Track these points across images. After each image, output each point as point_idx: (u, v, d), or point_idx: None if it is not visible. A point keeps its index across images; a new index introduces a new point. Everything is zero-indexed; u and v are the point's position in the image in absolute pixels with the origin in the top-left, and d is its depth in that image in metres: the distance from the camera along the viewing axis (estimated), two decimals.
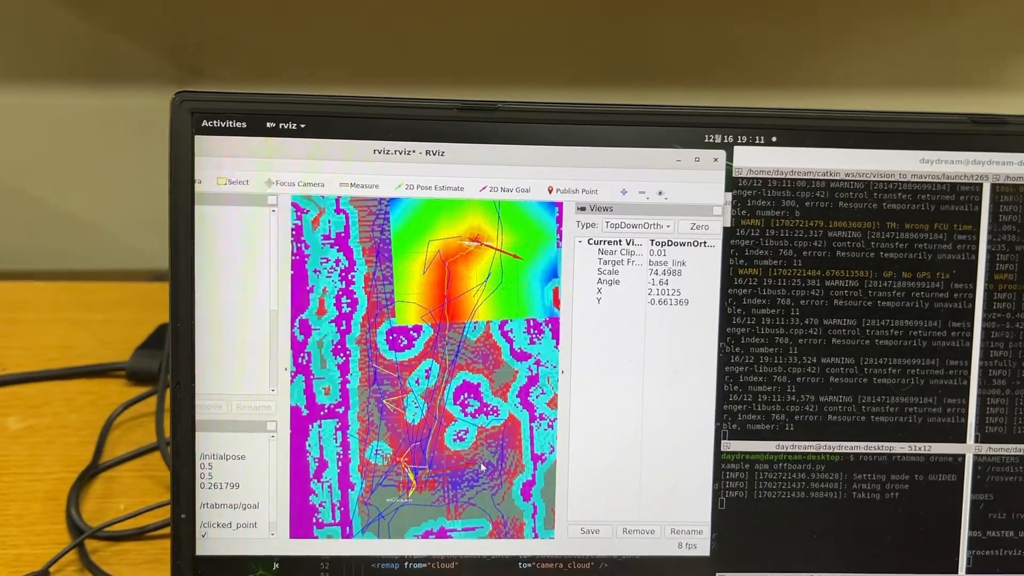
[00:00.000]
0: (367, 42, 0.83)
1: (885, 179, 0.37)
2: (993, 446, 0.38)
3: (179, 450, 0.36)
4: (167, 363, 0.59)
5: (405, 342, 0.36)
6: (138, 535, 0.49)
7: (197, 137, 0.35)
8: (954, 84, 0.86)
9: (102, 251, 0.89)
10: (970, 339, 0.37)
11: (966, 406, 0.38)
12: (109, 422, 0.58)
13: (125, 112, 0.85)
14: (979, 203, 0.37)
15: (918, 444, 0.38)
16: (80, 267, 0.86)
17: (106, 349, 0.70)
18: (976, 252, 0.37)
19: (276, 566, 0.36)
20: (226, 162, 0.35)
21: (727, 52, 0.84)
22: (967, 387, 0.37)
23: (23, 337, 0.71)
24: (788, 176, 0.37)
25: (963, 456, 0.38)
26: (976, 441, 0.38)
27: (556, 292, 0.37)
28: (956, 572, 0.38)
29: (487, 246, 0.36)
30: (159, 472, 0.55)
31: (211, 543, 0.36)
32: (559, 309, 0.37)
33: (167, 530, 0.49)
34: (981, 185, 0.37)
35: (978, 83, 0.87)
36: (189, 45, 0.83)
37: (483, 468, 0.37)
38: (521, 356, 0.37)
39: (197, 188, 0.35)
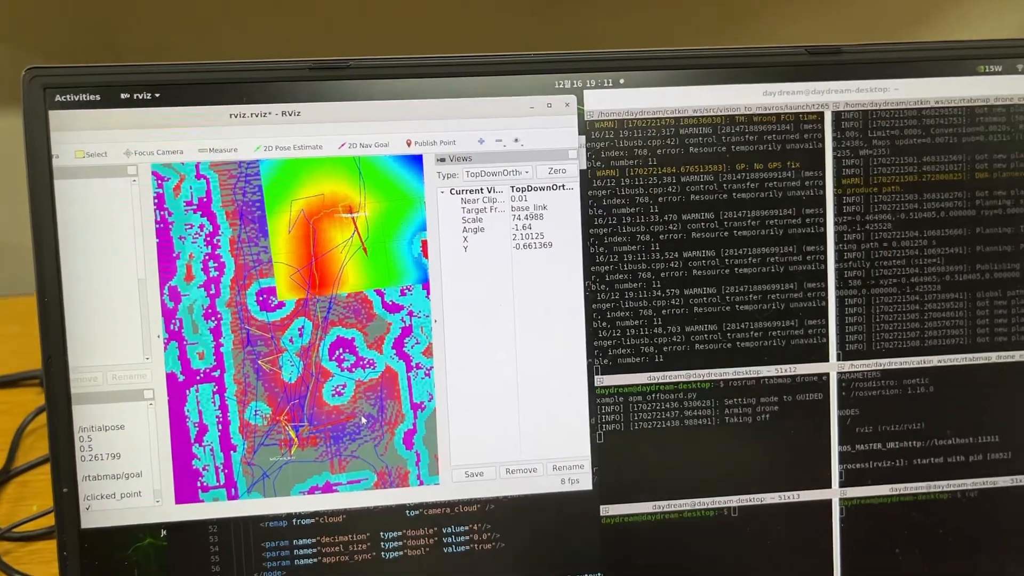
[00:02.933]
0: (285, 50, 0.83)
1: (731, 113, 0.38)
2: (855, 363, 0.39)
3: (55, 425, 0.36)
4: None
5: (276, 302, 0.37)
6: (50, 534, 0.49)
7: (51, 112, 0.35)
8: None
9: (18, 275, 0.88)
10: (824, 262, 0.39)
11: (826, 326, 0.39)
12: (22, 428, 0.58)
13: None
14: (822, 131, 0.39)
15: (784, 366, 0.39)
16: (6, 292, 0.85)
17: (20, 360, 0.69)
18: (823, 179, 0.39)
19: (164, 533, 0.37)
20: (82, 135, 0.36)
21: (655, 36, 0.86)
22: (825, 308, 0.39)
23: None
24: (639, 116, 0.38)
25: (827, 375, 0.39)
26: (838, 359, 0.39)
27: (424, 244, 0.38)
28: (830, 487, 0.39)
29: (359, 215, 0.37)
30: None
31: (96, 515, 0.36)
32: (427, 259, 0.38)
33: None
34: (822, 113, 0.39)
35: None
36: (105, 60, 0.82)
37: (364, 421, 0.37)
38: (393, 308, 0.38)
39: (55, 163, 0.35)
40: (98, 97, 0.35)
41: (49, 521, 0.49)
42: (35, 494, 0.53)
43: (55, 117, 0.35)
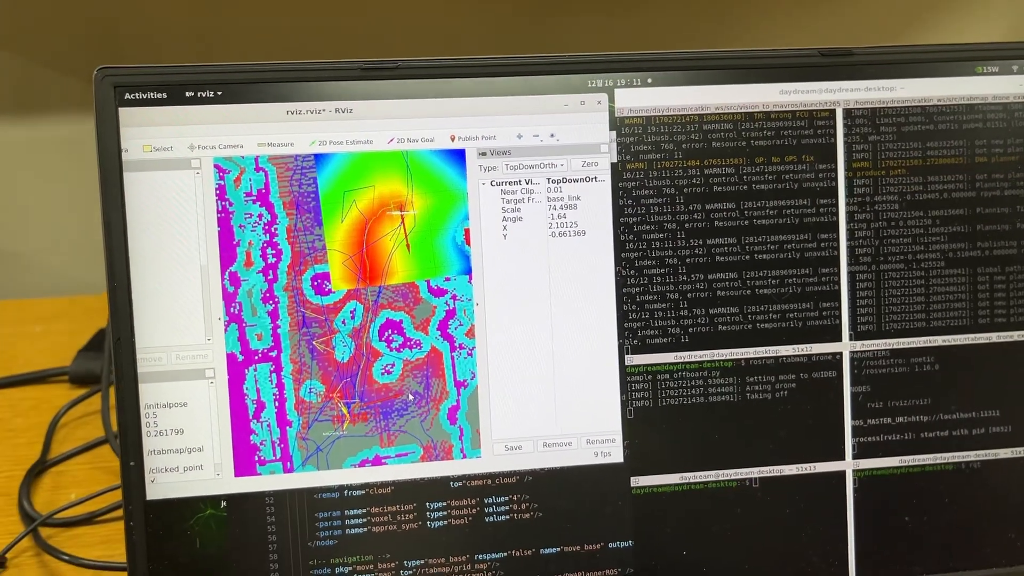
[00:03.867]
0: (285, 54, 0.85)
1: (750, 110, 0.41)
2: (866, 343, 0.42)
3: (124, 402, 0.38)
4: (110, 346, 0.61)
5: (329, 286, 0.39)
6: (89, 520, 0.51)
7: (121, 109, 0.38)
8: None
9: (29, 281, 0.89)
10: (837, 248, 0.42)
11: (839, 309, 0.42)
12: (55, 420, 0.60)
13: (47, 140, 0.86)
14: (834, 127, 0.42)
15: (800, 346, 0.42)
16: (5, 297, 0.87)
17: (46, 357, 0.71)
18: (835, 170, 0.42)
19: (224, 504, 0.39)
20: (150, 131, 0.38)
21: (641, 37, 0.89)
22: (838, 292, 0.42)
23: None
24: (665, 113, 0.41)
25: (840, 354, 0.42)
26: (850, 339, 0.42)
27: (467, 232, 0.40)
28: (843, 459, 0.42)
29: (408, 214, 0.39)
30: (108, 463, 0.57)
31: (160, 487, 0.39)
32: (470, 247, 0.40)
33: (117, 513, 0.51)
34: (834, 111, 0.42)
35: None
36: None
37: (411, 397, 0.40)
38: (438, 292, 0.40)
39: (124, 157, 0.38)
40: (165, 95, 0.38)
41: (88, 507, 0.51)
42: (71, 483, 0.56)
43: (124, 114, 0.38)
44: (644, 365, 0.41)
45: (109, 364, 0.61)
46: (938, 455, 0.42)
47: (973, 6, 0.93)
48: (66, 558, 0.47)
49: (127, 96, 0.38)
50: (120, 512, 0.51)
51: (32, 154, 0.86)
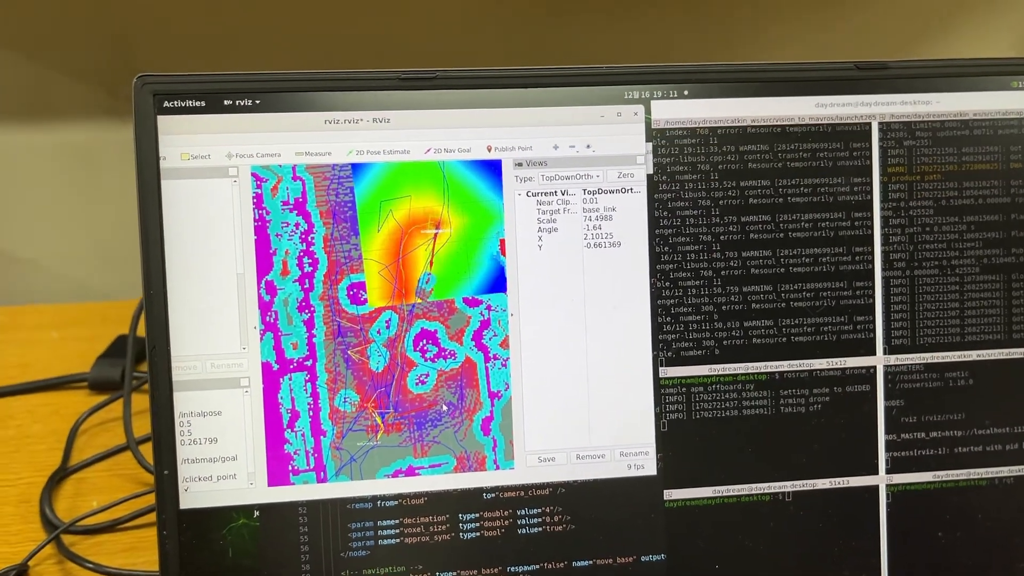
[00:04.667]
0: (299, 62, 0.86)
1: (786, 123, 0.41)
2: (900, 357, 0.42)
3: (158, 410, 0.38)
4: (132, 353, 0.61)
5: (365, 296, 0.39)
6: (112, 527, 0.51)
7: (160, 117, 0.38)
8: None
9: (42, 287, 0.89)
10: (872, 261, 0.42)
11: (873, 322, 0.42)
12: (76, 426, 0.60)
13: (61, 146, 0.86)
14: (869, 140, 0.42)
15: (834, 360, 0.42)
16: (18, 304, 0.87)
17: (65, 363, 0.71)
18: (870, 183, 0.42)
19: (257, 514, 0.39)
20: (188, 139, 0.38)
21: (658, 46, 0.89)
22: (873, 305, 0.42)
23: None
24: (701, 125, 0.41)
25: (874, 368, 0.42)
26: (885, 353, 0.42)
27: (502, 243, 0.40)
28: (877, 473, 0.42)
29: (444, 232, 0.39)
30: (129, 470, 0.57)
31: (193, 496, 0.38)
32: (505, 257, 0.40)
33: (141, 520, 0.51)
34: (870, 124, 0.42)
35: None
36: (125, 77, 0.84)
37: (445, 408, 0.40)
38: (473, 303, 0.40)
39: (162, 164, 0.38)
40: (203, 103, 0.38)
41: (110, 515, 0.51)
42: (92, 490, 0.55)
43: (163, 122, 0.38)
44: (678, 377, 0.41)
45: (132, 369, 0.61)
46: (972, 470, 0.42)
47: (982, 16, 0.93)
48: (90, 566, 0.47)
49: (166, 104, 0.38)
50: (143, 520, 0.51)
51: (48, 159, 0.86)
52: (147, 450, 0.55)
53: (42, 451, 0.59)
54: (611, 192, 0.40)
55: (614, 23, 0.88)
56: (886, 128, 0.42)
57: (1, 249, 0.87)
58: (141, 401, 0.64)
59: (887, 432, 0.42)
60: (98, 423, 0.63)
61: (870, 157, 0.42)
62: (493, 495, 0.40)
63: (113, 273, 0.89)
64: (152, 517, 0.50)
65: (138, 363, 0.68)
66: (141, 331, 0.58)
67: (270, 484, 0.39)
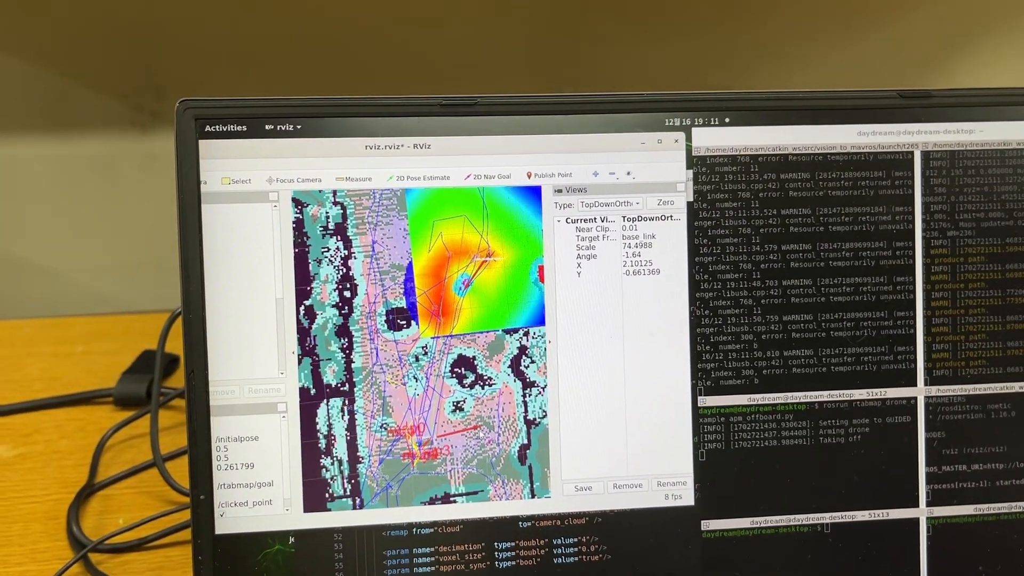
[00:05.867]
0: (324, 78, 0.86)
1: (828, 151, 0.41)
2: (941, 388, 0.42)
3: (195, 435, 0.38)
4: (159, 369, 0.60)
5: (403, 322, 0.39)
6: (139, 546, 0.50)
7: (201, 141, 0.38)
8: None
9: (65, 298, 0.90)
10: (913, 291, 0.41)
11: (915, 353, 0.41)
12: (102, 443, 0.60)
13: (85, 158, 0.86)
14: (912, 169, 0.41)
15: (875, 390, 0.41)
16: (40, 316, 0.87)
17: (90, 378, 0.71)
18: (912, 213, 0.41)
19: (292, 540, 0.39)
20: (229, 163, 0.38)
21: (678, 68, 0.89)
22: (914, 335, 0.41)
23: (6, 372, 0.72)
24: (742, 153, 0.40)
25: (915, 399, 0.41)
26: (926, 384, 0.41)
27: (541, 269, 0.40)
28: (917, 506, 0.41)
29: (482, 258, 0.39)
30: (156, 488, 0.56)
31: (229, 522, 0.38)
32: (544, 284, 0.40)
33: (170, 539, 0.51)
34: (912, 153, 0.41)
35: (917, 84, 0.93)
36: (147, 89, 0.85)
37: (481, 435, 0.40)
38: (511, 329, 0.40)
39: (203, 188, 0.38)
40: (245, 128, 0.38)
41: (137, 534, 0.51)
42: (119, 507, 0.55)
43: (204, 146, 0.38)
44: (717, 407, 0.41)
45: (160, 385, 0.61)
46: (1014, 504, 0.42)
47: (990, 45, 0.93)
48: None
49: (207, 128, 0.38)
50: (171, 538, 0.51)
51: (70, 171, 0.86)
52: (174, 467, 0.55)
53: (69, 467, 0.59)
54: (651, 219, 0.40)
55: (636, 45, 0.88)
56: (929, 157, 0.41)
57: (26, 260, 0.88)
58: (167, 417, 0.64)
59: (928, 464, 0.41)
60: (124, 439, 0.63)
61: (912, 186, 0.41)
62: (529, 524, 0.40)
63: (137, 285, 0.89)
64: (181, 536, 0.50)
65: (164, 378, 0.68)
66: (168, 346, 0.58)
67: (306, 510, 0.39)
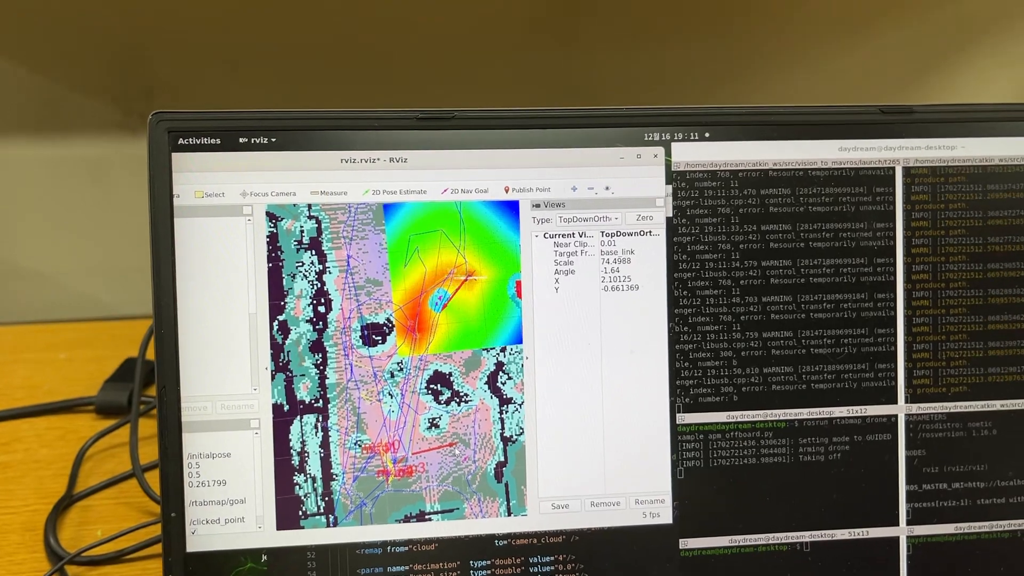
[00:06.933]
0: (314, 84, 0.86)
1: (808, 167, 0.40)
2: (922, 405, 0.41)
3: (167, 451, 0.37)
4: (140, 378, 0.60)
5: (378, 338, 0.39)
6: (117, 559, 0.50)
7: (174, 154, 0.37)
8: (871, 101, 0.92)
9: (52, 302, 0.89)
10: (894, 308, 0.41)
11: (895, 370, 0.41)
12: (81, 453, 0.59)
13: (74, 161, 0.86)
14: (893, 185, 0.41)
15: (855, 408, 0.41)
16: (30, 319, 0.87)
17: (72, 386, 0.70)
18: (893, 230, 0.41)
19: (264, 558, 0.38)
20: (202, 176, 0.38)
21: (663, 76, 0.89)
22: (895, 353, 0.41)
23: None
24: (722, 168, 0.40)
25: (896, 416, 0.41)
26: (906, 402, 0.41)
27: (518, 284, 0.39)
28: (897, 524, 0.41)
29: (474, 279, 0.38)
30: (134, 499, 0.56)
31: (201, 539, 0.38)
32: (521, 299, 0.39)
33: (146, 551, 0.50)
34: (894, 168, 0.41)
35: (895, 100, 0.93)
36: (137, 92, 0.84)
37: (457, 452, 0.39)
38: (487, 346, 0.39)
39: (176, 202, 0.37)
40: (218, 141, 0.38)
41: (115, 546, 0.50)
42: (97, 518, 0.55)
43: (178, 159, 0.37)
44: (696, 424, 0.40)
45: (140, 395, 0.60)
46: (994, 523, 0.41)
47: (990, 49, 0.93)
48: None
49: (181, 141, 0.37)
50: (147, 551, 0.50)
51: (59, 174, 0.86)
52: (153, 478, 0.54)
53: (48, 477, 0.58)
54: (629, 235, 0.40)
55: (623, 53, 0.88)
56: (910, 173, 0.41)
57: (14, 263, 0.87)
58: (149, 426, 0.64)
59: (908, 482, 0.41)
60: (105, 448, 0.62)
61: (893, 202, 0.41)
62: (505, 542, 0.39)
63: (126, 289, 0.89)
64: (158, 549, 0.50)
65: (145, 387, 0.67)
66: (149, 355, 0.57)
67: (279, 528, 0.38)
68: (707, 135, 0.40)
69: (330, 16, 0.83)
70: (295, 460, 0.38)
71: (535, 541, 0.39)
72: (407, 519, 0.39)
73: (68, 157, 0.85)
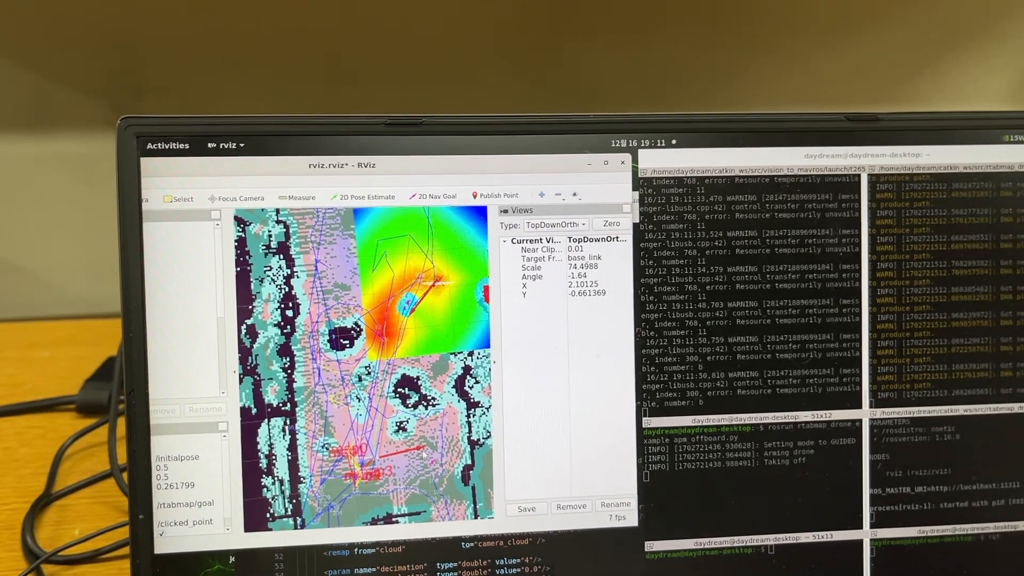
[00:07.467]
0: (304, 84, 0.86)
1: (774, 174, 0.41)
2: (886, 410, 0.42)
3: (135, 454, 0.38)
4: (119, 378, 0.60)
5: (346, 342, 0.39)
6: (93, 558, 0.50)
7: (142, 159, 0.38)
8: (861, 104, 0.93)
9: (40, 298, 0.89)
10: (859, 314, 0.41)
11: (860, 375, 0.42)
12: (61, 452, 0.60)
13: (63, 158, 0.86)
14: (858, 191, 0.41)
15: (820, 412, 0.41)
16: (16, 315, 0.87)
17: (54, 384, 0.70)
18: (859, 236, 0.41)
19: (232, 560, 0.38)
20: (171, 181, 0.38)
21: (649, 78, 0.89)
22: (859, 358, 0.41)
23: None
24: (688, 174, 0.40)
25: (860, 421, 0.42)
26: (871, 407, 0.42)
27: (486, 289, 0.40)
28: (861, 527, 0.42)
29: (442, 284, 0.39)
30: (113, 498, 0.56)
31: (169, 541, 0.38)
32: (489, 304, 0.40)
33: (123, 551, 0.50)
34: (859, 175, 0.41)
35: (884, 103, 0.93)
36: (128, 91, 0.84)
37: (424, 455, 0.40)
38: (455, 350, 0.40)
39: (144, 206, 0.38)
40: (187, 146, 0.38)
41: (91, 545, 0.50)
42: (76, 518, 0.55)
43: (146, 164, 0.38)
44: (662, 428, 0.41)
45: (118, 394, 0.60)
46: (957, 526, 0.42)
47: (976, 56, 0.93)
48: None
49: (149, 146, 0.38)
50: (123, 551, 0.50)
51: (49, 171, 0.86)
52: None
53: (27, 476, 0.59)
54: (597, 240, 0.40)
55: (610, 48, 0.88)
56: (875, 180, 0.41)
57: (1, 260, 0.87)
58: None
59: (872, 486, 0.42)
60: (85, 447, 0.62)
61: (859, 209, 0.41)
62: (472, 544, 0.40)
63: (108, 287, 0.89)
64: None
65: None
66: None
67: (247, 530, 0.39)
68: (674, 142, 0.40)
69: (321, 18, 0.83)
70: (263, 463, 0.39)
71: (502, 543, 0.40)
72: (374, 521, 0.39)
73: (55, 154, 0.85)
